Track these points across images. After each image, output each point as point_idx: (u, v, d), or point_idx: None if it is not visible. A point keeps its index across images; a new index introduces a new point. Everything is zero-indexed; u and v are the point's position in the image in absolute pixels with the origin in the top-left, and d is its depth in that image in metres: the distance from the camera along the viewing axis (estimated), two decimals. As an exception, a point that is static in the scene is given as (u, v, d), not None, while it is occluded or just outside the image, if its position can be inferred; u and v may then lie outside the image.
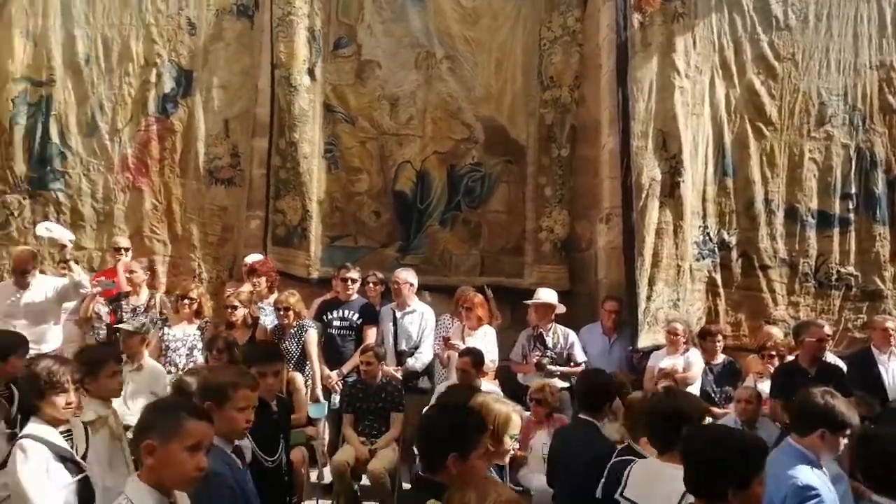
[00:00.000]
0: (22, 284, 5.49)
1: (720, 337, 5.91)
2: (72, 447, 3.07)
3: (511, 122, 6.88)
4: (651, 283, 6.18)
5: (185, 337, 5.50)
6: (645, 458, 3.08)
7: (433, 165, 6.89)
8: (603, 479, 3.12)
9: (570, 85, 6.80)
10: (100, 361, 3.53)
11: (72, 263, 5.66)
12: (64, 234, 5.96)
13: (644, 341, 6.08)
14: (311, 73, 6.85)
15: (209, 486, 2.29)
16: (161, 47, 6.92)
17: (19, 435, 2.97)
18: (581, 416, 3.78)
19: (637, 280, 6.12)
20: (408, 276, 5.98)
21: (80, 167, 6.91)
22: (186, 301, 5.59)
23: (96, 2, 6.93)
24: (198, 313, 5.63)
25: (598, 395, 3.77)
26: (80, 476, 2.98)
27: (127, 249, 6.39)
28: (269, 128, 6.88)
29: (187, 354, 5.40)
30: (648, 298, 6.16)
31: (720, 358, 5.86)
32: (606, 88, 6.53)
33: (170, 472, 2.08)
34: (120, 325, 5.23)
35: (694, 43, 6.31)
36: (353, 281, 5.91)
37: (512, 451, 3.14)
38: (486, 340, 5.67)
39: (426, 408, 3.43)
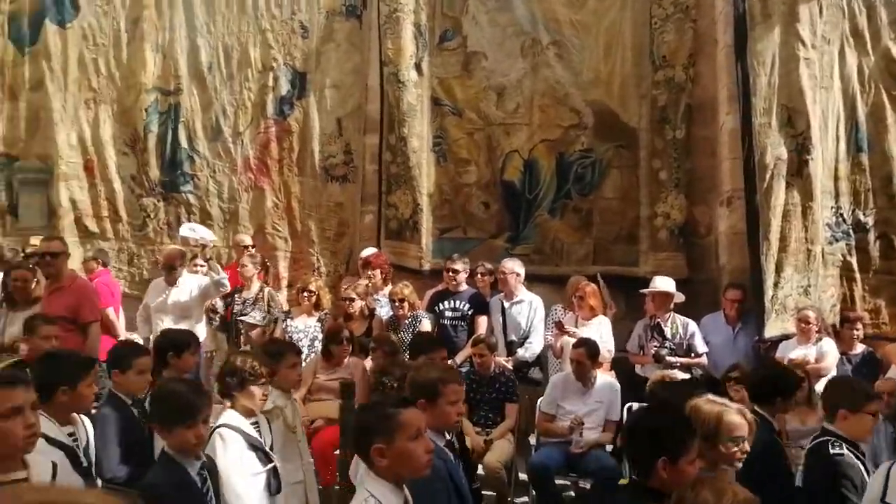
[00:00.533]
0: (170, 281, 5.84)
1: (859, 325, 5.50)
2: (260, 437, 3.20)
3: (622, 106, 6.68)
4: (778, 268, 5.83)
5: (307, 328, 5.73)
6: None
7: (541, 154, 6.81)
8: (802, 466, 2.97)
9: (683, 63, 6.51)
10: (282, 353, 3.71)
11: (212, 262, 5.94)
12: (206, 235, 6.34)
13: (771, 330, 5.76)
14: (418, 67, 6.93)
15: (426, 479, 2.34)
16: (276, 52, 7.22)
17: (216, 424, 3.07)
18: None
19: (763, 266, 5.79)
20: (514, 266, 5.95)
21: (207, 170, 7.34)
22: (306, 294, 5.82)
23: (217, 13, 7.31)
24: (317, 305, 5.85)
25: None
26: (269, 465, 3.10)
27: (251, 246, 6.71)
28: (380, 124, 7.03)
29: (308, 345, 5.63)
30: (776, 285, 5.82)
31: (859, 348, 5.46)
32: (724, 65, 6.21)
33: (405, 464, 2.18)
34: (243, 318, 5.51)
35: (820, 11, 5.87)
36: (457, 272, 5.95)
37: (740, 455, 2.73)
38: (600, 331, 5.56)
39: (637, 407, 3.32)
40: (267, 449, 3.18)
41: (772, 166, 5.83)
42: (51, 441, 2.73)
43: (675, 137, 6.53)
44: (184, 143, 7.38)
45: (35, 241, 6.85)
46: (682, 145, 6.53)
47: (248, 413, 3.19)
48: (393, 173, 7.00)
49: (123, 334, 6.27)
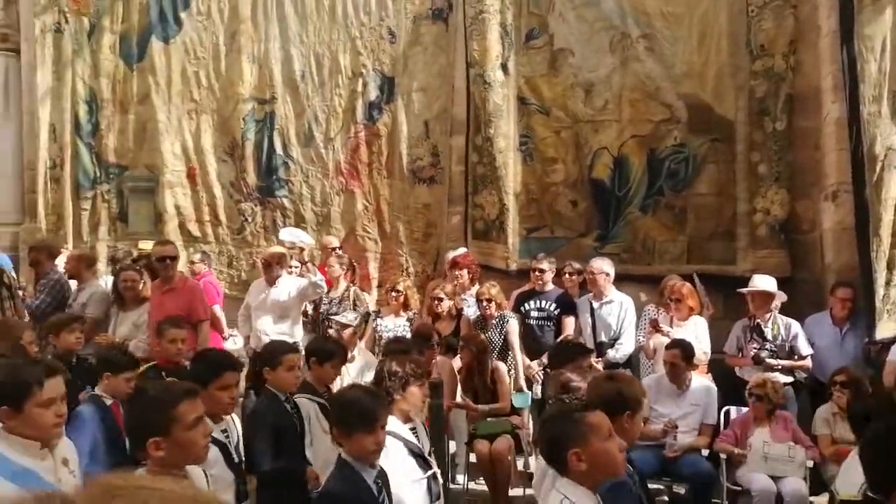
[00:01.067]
0: (270, 281, 6.07)
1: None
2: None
3: (717, 98, 6.42)
4: (890, 266, 5.44)
5: (396, 328, 5.81)
6: None
7: (631, 150, 6.64)
8: None
9: (783, 52, 6.20)
10: (407, 352, 3.85)
11: (309, 265, 6.12)
12: (305, 238, 6.54)
13: (883, 332, 5.37)
14: (504, 67, 6.91)
15: (616, 485, 2.36)
16: (365, 58, 7.38)
17: None
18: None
19: (873, 263, 5.42)
20: (603, 266, 5.82)
21: (300, 175, 7.59)
22: (394, 293, 5.90)
23: (308, 22, 7.55)
24: (405, 305, 5.92)
25: None
26: (430, 472, 3.06)
27: (338, 248, 6.84)
28: (466, 125, 7.06)
29: (397, 344, 5.69)
30: (888, 283, 5.43)
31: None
32: (828, 51, 5.87)
33: (603, 466, 2.19)
34: (333, 318, 5.65)
35: (937, -12, 5.46)
36: (543, 271, 5.88)
37: None
38: (697, 331, 5.36)
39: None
40: (426, 454, 3.13)
41: (882, 157, 5.45)
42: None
43: (776, 129, 6.23)
44: (279, 149, 7.65)
45: (143, 245, 7.28)
46: (784, 137, 6.22)
47: (406, 418, 3.16)
48: (479, 174, 7.01)
49: (226, 331, 6.58)
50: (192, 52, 7.94)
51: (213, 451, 2.77)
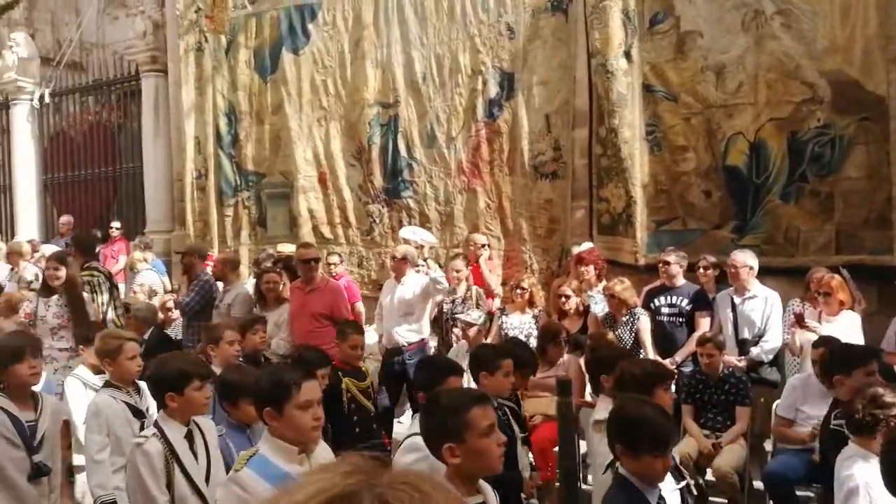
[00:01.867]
0: (398, 276, 6.21)
1: None
2: None
3: (865, 73, 5.88)
4: None
5: (521, 325, 5.77)
6: None
7: (769, 134, 6.21)
8: None
9: (943, 17, 5.60)
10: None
11: (430, 262, 6.23)
12: (425, 237, 6.66)
13: None
14: (627, 55, 6.69)
15: None
16: (485, 55, 7.38)
17: None
18: None
19: None
20: (746, 259, 5.48)
21: (424, 175, 7.72)
22: (519, 291, 5.86)
23: (428, 24, 7.66)
24: (531, 302, 5.87)
25: None
26: (683, 483, 2.90)
27: (486, 245, 6.84)
28: (589, 117, 6.90)
29: (525, 341, 5.65)
30: None
31: None
32: None
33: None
34: (459, 316, 5.70)
35: None
36: (668, 263, 5.63)
37: None
38: (849, 328, 4.95)
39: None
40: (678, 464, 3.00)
41: None
42: None
43: (936, 103, 5.63)
44: (403, 151, 7.83)
45: (282, 247, 7.67)
46: (947, 112, 5.61)
47: None
48: (604, 166, 6.83)
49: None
50: (319, 61, 8.28)
51: None
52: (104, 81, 11.03)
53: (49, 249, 8.60)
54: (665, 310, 5.63)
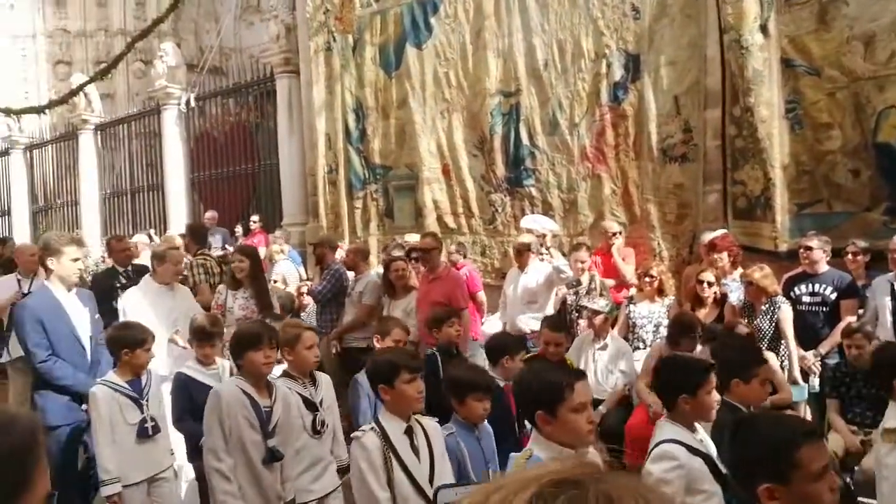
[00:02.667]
0: (521, 265, 6.17)
1: None
2: None
3: None
4: None
5: (651, 314, 5.62)
6: None
7: (928, 107, 5.66)
8: None
9: None
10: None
11: (553, 250, 6.19)
12: (548, 226, 6.62)
13: None
14: (763, 29, 6.29)
15: None
16: (609, 38, 7.19)
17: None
18: None
19: None
20: (910, 242, 5.03)
21: (546, 163, 7.65)
22: (647, 279, 5.70)
23: (550, 10, 7.57)
24: (660, 291, 5.69)
25: None
26: None
27: (618, 234, 6.73)
28: (721, 96, 6.55)
29: (653, 331, 5.51)
30: None
31: None
32: None
33: None
34: (584, 304, 5.62)
35: None
36: (810, 249, 5.26)
37: None
38: None
39: None
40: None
41: None
42: (692, 450, 2.68)
43: None
44: (525, 139, 7.79)
45: (409, 237, 7.88)
46: None
47: None
48: (739, 147, 6.48)
49: (485, 316, 6.91)
50: (442, 54, 8.39)
51: (697, 462, 2.65)
52: (242, 84, 11.75)
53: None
54: (806, 298, 5.29)
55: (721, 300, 5.51)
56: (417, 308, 5.96)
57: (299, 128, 10.23)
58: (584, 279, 6.04)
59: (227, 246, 10.31)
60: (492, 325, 6.64)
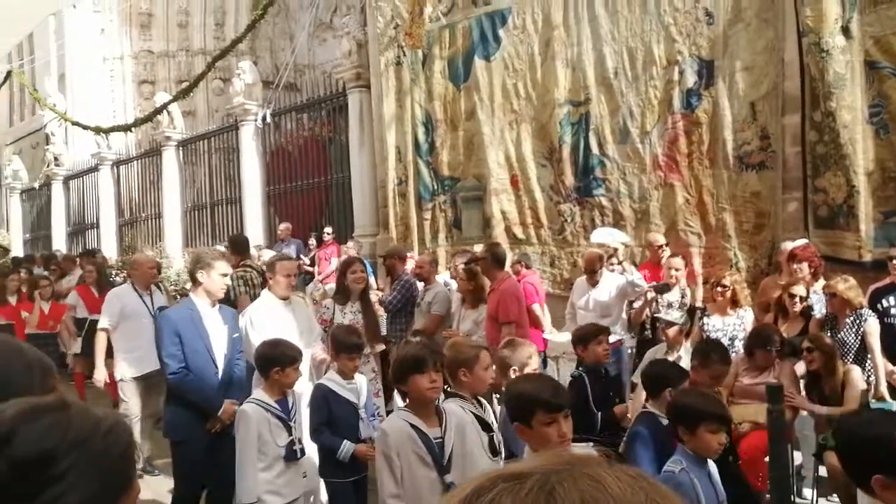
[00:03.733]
0: (591, 282, 6.17)
1: None
2: None
3: None
4: None
5: (725, 327, 5.44)
6: None
7: None
8: None
9: None
10: None
11: (625, 263, 6.09)
12: (620, 238, 6.53)
13: None
14: (845, 31, 6.05)
15: None
16: (681, 44, 7.06)
17: None
18: None
19: None
20: None
21: (617, 172, 7.55)
22: (720, 288, 5.52)
23: (619, 18, 7.49)
24: (734, 302, 5.51)
25: None
26: None
27: (665, 245, 6.64)
28: (801, 101, 6.33)
29: (728, 344, 5.34)
30: None
31: None
32: None
33: None
34: (658, 316, 5.50)
35: None
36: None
37: None
38: None
39: None
40: None
41: None
42: None
43: None
44: (594, 149, 7.71)
45: (477, 248, 7.90)
46: None
47: None
48: (820, 154, 6.23)
49: (549, 329, 6.84)
50: (510, 65, 8.41)
51: None
52: (315, 99, 12.07)
53: (269, 254, 9.63)
54: (894, 311, 5.03)
55: (805, 313, 5.29)
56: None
57: (370, 141, 10.42)
58: (676, 293, 5.85)
59: (301, 256, 10.59)
60: (561, 335, 6.57)
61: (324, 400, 3.79)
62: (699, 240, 6.99)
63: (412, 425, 2.93)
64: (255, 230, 12.46)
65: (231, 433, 3.83)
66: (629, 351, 6.22)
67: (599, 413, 4.33)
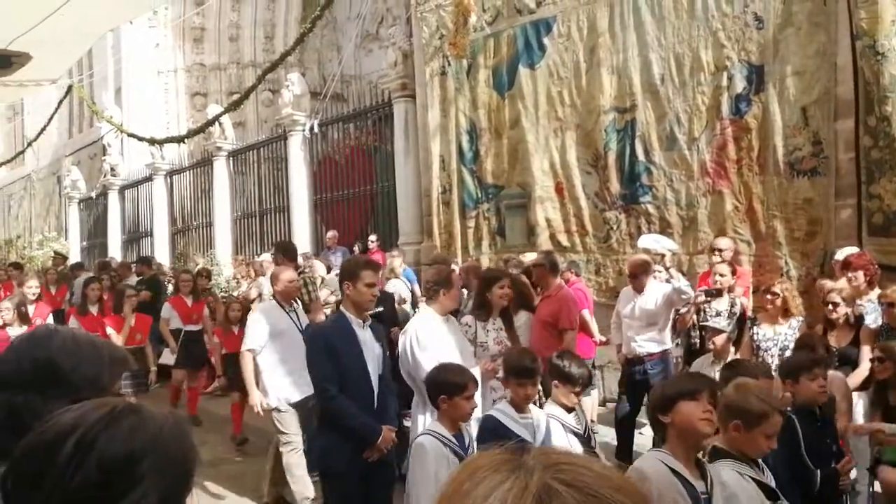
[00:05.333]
0: (637, 289, 6.08)
1: None
2: None
3: None
4: None
5: (776, 336, 5.32)
6: None
7: None
8: None
9: None
10: None
11: (672, 270, 6.02)
12: (667, 245, 6.46)
13: None
14: (901, 32, 5.90)
15: None
16: (730, 50, 6.96)
17: None
18: None
19: None
20: None
21: (664, 179, 7.46)
22: (769, 296, 5.40)
23: (666, 24, 7.42)
24: (785, 311, 5.39)
25: None
26: None
27: (721, 251, 6.49)
28: (855, 106, 6.17)
29: (778, 354, 5.22)
30: None
31: None
32: None
33: None
34: (706, 325, 5.42)
35: None
36: None
37: None
38: None
39: None
40: None
41: None
42: None
43: None
44: (640, 156, 7.64)
45: (521, 257, 7.90)
46: None
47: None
48: (875, 159, 6.06)
49: (597, 336, 6.80)
50: (555, 73, 8.40)
51: None
52: (362, 109, 12.24)
53: (317, 262, 9.79)
54: (954, 321, 4.85)
55: (857, 323, 5.15)
56: (531, 327, 5.91)
57: (415, 150, 10.52)
58: (724, 302, 5.74)
59: (346, 264, 10.72)
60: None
61: (493, 435, 3.21)
62: (749, 247, 6.86)
63: (672, 470, 2.40)
64: (302, 238, 12.66)
65: (387, 460, 3.61)
66: (675, 360, 6.13)
67: (818, 470, 3.41)
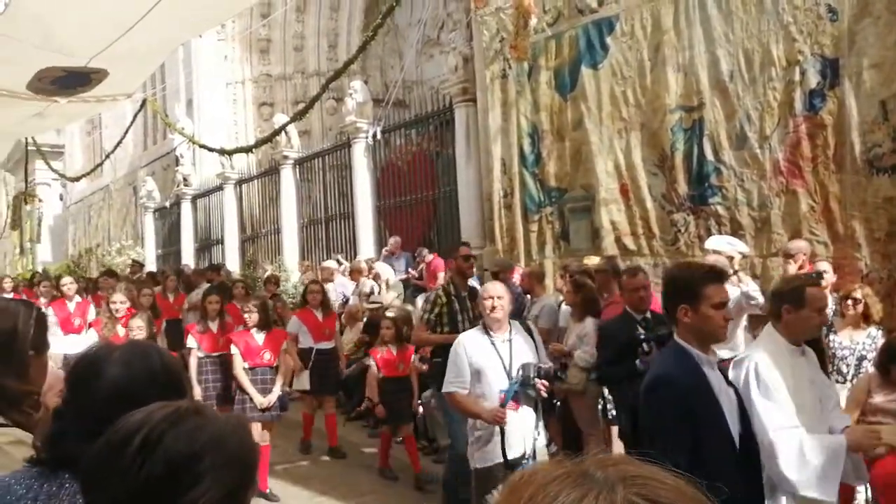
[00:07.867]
0: None
1: None
2: None
3: None
4: None
5: (853, 345, 5.07)
6: None
7: None
8: None
9: None
10: None
11: (741, 274, 5.83)
12: (738, 246, 6.25)
13: None
14: None
15: None
16: (802, 43, 6.69)
17: None
18: None
19: None
20: None
21: (734, 179, 7.22)
22: (850, 301, 5.15)
23: (734, 19, 7.19)
24: (866, 317, 5.12)
25: None
26: None
27: (797, 255, 6.24)
28: (940, 98, 5.86)
29: (856, 365, 4.97)
30: None
31: None
32: None
33: None
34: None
35: None
36: None
37: None
38: None
39: None
40: None
41: None
42: None
43: None
44: (709, 155, 7.42)
45: (587, 260, 7.78)
46: None
47: None
48: (963, 155, 5.73)
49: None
50: (618, 73, 8.26)
51: None
52: (423, 115, 12.32)
53: (382, 266, 9.90)
54: None
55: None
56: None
57: (476, 154, 10.51)
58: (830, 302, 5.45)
59: (409, 270, 10.80)
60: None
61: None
62: (826, 249, 6.56)
63: None
64: (366, 244, 12.83)
65: None
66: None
67: None
